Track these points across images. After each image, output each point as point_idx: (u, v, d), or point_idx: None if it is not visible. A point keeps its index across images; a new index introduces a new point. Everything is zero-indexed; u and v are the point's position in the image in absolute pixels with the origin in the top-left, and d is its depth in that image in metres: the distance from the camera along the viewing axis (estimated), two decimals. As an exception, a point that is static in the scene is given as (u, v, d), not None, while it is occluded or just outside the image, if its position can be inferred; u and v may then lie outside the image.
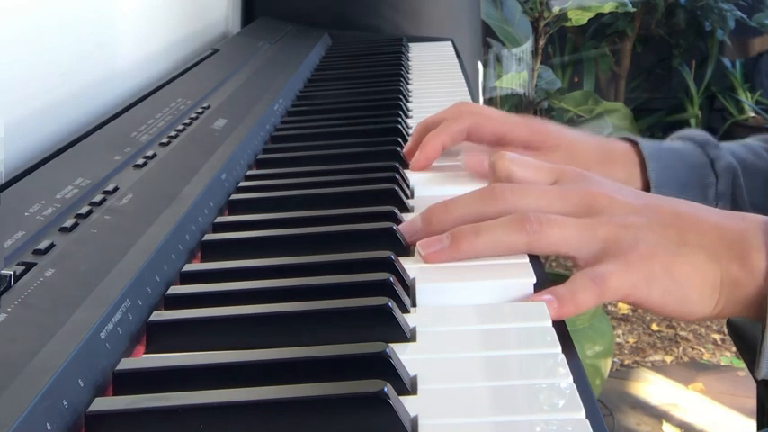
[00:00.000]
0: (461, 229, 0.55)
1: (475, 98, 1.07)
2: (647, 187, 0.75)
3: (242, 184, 0.73)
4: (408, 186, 0.72)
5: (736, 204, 0.76)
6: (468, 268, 0.56)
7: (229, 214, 0.67)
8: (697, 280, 0.52)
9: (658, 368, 2.34)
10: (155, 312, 0.49)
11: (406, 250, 0.58)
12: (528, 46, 2.32)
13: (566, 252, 0.54)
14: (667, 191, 0.74)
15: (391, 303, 0.47)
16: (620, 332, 2.51)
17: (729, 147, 0.79)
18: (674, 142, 0.80)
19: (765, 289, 0.51)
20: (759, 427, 1.02)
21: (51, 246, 0.50)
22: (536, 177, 0.60)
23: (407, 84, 1.16)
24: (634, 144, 0.77)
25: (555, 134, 0.75)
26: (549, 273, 2.30)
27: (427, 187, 0.72)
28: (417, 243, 0.57)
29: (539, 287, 0.53)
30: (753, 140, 0.82)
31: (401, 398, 0.40)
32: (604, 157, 0.75)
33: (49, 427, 0.36)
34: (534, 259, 0.56)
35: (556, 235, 0.54)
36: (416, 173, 0.76)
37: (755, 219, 0.55)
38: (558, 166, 0.61)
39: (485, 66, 2.12)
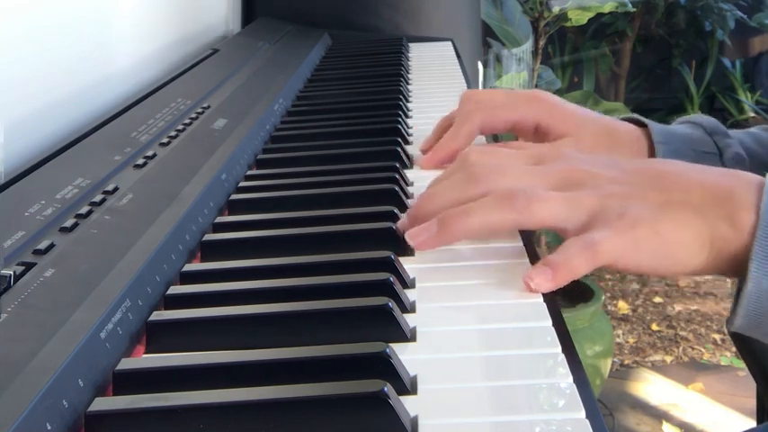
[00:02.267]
0: (448, 212, 0.56)
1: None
2: None
3: (242, 184, 0.73)
4: (408, 186, 0.72)
5: None
6: (469, 268, 0.56)
7: (229, 214, 0.67)
8: (684, 237, 0.53)
9: (658, 368, 2.34)
10: (155, 312, 0.49)
11: (406, 250, 0.58)
12: (528, 46, 2.32)
13: (553, 225, 0.55)
14: None
15: (391, 303, 0.47)
16: (620, 332, 2.51)
17: (737, 135, 0.79)
18: (683, 126, 0.79)
19: (750, 244, 0.52)
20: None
21: (51, 246, 0.50)
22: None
23: (407, 84, 1.16)
24: (643, 126, 0.77)
25: (563, 118, 0.75)
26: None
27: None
28: (405, 234, 0.57)
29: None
30: (759, 130, 0.81)
31: (401, 398, 0.40)
32: (612, 143, 0.75)
33: (48, 427, 0.36)
34: (533, 258, 0.56)
35: (543, 209, 0.54)
36: (418, 171, 0.76)
37: (745, 176, 0.55)
38: (533, 148, 0.62)
39: (485, 66, 2.12)
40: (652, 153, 0.75)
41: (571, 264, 0.52)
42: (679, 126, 0.79)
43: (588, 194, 0.55)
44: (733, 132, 0.79)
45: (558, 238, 0.61)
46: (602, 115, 0.78)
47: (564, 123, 0.75)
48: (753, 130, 0.82)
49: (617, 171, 0.57)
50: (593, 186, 0.56)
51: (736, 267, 0.53)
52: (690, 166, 0.58)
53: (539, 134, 0.76)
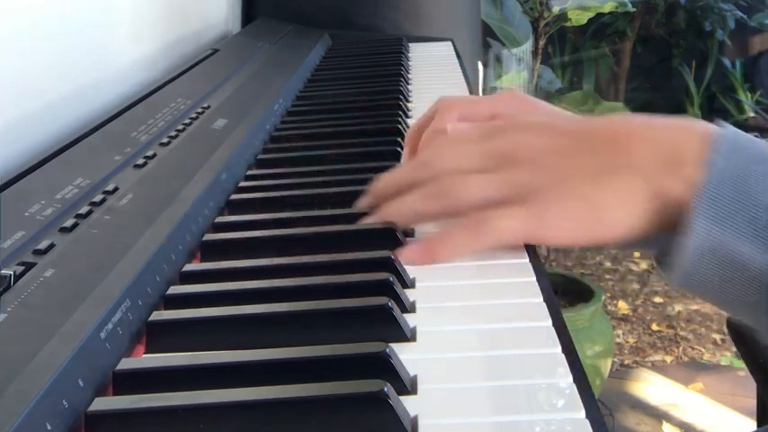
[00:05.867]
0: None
1: (475, 98, 1.07)
2: None
3: (242, 184, 0.73)
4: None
5: None
6: (469, 268, 0.56)
7: (229, 214, 0.67)
8: (621, 201, 0.53)
9: (658, 368, 2.34)
10: (155, 312, 0.49)
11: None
12: (528, 46, 2.32)
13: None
14: None
15: (391, 303, 0.47)
16: (620, 332, 2.51)
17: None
18: None
19: (696, 195, 0.50)
20: (759, 426, 1.02)
21: (51, 246, 0.50)
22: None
23: (407, 84, 1.16)
24: None
25: None
26: (550, 273, 2.30)
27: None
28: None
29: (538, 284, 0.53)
30: None
31: (401, 398, 0.40)
32: None
33: (48, 427, 0.36)
34: (534, 257, 0.56)
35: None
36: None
37: (697, 128, 0.54)
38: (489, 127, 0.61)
39: (485, 66, 2.12)
40: None
41: (454, 242, 0.56)
42: None
43: (515, 176, 0.56)
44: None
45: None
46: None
47: None
48: None
49: (563, 138, 0.57)
50: (527, 163, 0.56)
51: (680, 221, 0.51)
52: (647, 120, 0.56)
53: None
